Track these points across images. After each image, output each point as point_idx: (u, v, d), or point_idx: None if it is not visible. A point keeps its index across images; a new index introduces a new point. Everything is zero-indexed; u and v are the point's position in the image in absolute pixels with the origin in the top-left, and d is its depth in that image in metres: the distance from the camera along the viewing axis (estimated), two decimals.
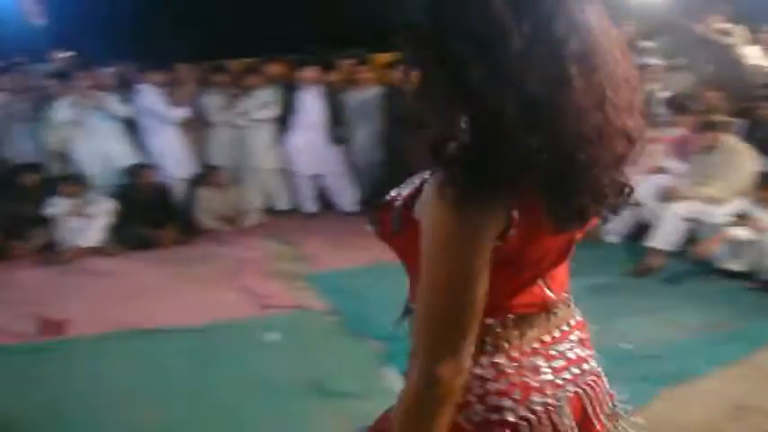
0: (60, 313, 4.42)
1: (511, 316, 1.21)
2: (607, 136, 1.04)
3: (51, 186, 6.07)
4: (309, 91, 6.85)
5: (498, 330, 1.21)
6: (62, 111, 6.36)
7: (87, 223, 5.95)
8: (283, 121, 6.92)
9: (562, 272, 1.30)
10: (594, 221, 1.20)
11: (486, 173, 1.00)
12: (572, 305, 1.35)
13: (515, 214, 1.04)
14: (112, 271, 5.47)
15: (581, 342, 1.32)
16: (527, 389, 1.20)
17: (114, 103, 6.55)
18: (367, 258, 5.54)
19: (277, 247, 6.13)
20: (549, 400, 1.21)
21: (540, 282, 1.24)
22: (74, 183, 6.05)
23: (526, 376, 1.21)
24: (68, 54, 5.50)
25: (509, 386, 1.20)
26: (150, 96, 6.59)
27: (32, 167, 6.23)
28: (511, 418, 1.18)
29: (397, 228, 1.19)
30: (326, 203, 7.28)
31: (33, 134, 6.52)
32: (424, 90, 1.07)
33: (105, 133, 6.51)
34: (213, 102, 6.98)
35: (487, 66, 0.97)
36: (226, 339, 4.03)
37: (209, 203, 6.66)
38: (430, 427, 1.10)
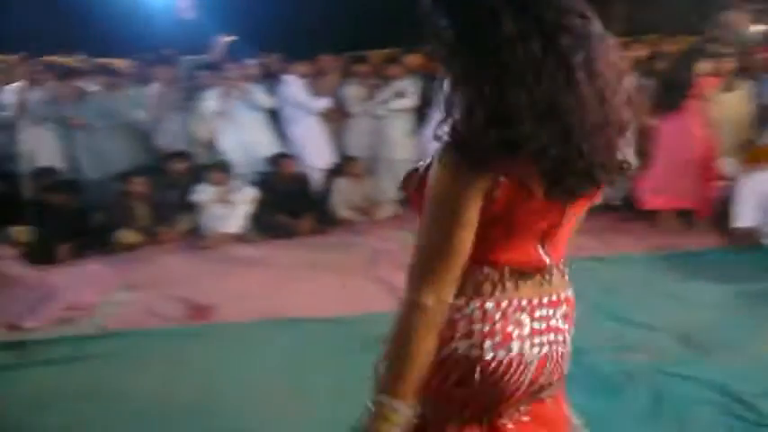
0: (205, 298, 4.55)
1: (507, 268, 1.40)
2: (605, 128, 1.26)
3: (198, 174, 6.31)
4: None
5: (494, 278, 1.40)
6: (210, 101, 6.59)
7: (230, 210, 6.13)
8: (421, 113, 6.86)
9: (561, 243, 1.46)
10: (597, 196, 1.40)
11: (472, 152, 1.25)
12: (567, 279, 1.52)
13: (503, 180, 1.26)
14: (253, 258, 5.61)
15: (565, 316, 1.49)
16: (507, 336, 1.39)
17: (259, 94, 6.71)
18: None
19: (411, 238, 6.06)
20: (525, 352, 1.40)
21: (537, 245, 1.41)
22: (219, 171, 6.23)
23: (509, 326, 1.39)
24: (221, 44, 5.63)
25: (491, 330, 1.38)
26: (294, 87, 6.71)
27: (181, 155, 6.49)
28: (487, 357, 1.37)
29: (415, 188, 1.42)
30: None
31: (183, 124, 6.80)
32: (457, 86, 1.29)
33: (249, 123, 6.69)
34: (353, 92, 7.02)
35: (501, 72, 1.21)
36: (365, 332, 4.00)
37: (345, 194, 6.72)
38: (415, 348, 1.31)
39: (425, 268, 1.33)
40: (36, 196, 6.14)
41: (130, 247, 5.80)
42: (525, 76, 1.20)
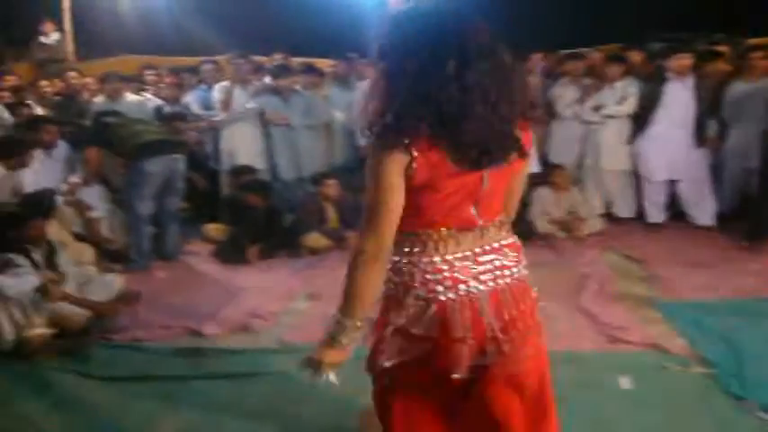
0: None
1: (444, 229, 1.83)
2: (494, 127, 1.72)
3: None
4: (678, 83, 5.89)
5: (435, 238, 1.83)
6: None
7: None
8: (638, 118, 6.07)
9: (494, 204, 1.89)
10: (518, 167, 1.86)
11: (388, 136, 1.69)
12: (506, 230, 1.95)
13: (416, 154, 1.68)
14: None
15: (508, 256, 1.90)
16: (456, 280, 1.82)
17: None
18: (733, 288, 4.58)
19: (619, 262, 5.35)
20: (473, 290, 1.82)
21: (470, 208, 1.83)
22: None
23: (456, 272, 1.82)
24: None
25: (442, 277, 1.81)
26: None
27: None
28: (442, 298, 1.81)
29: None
30: (675, 213, 6.28)
31: None
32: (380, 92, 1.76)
33: None
34: (563, 93, 6.40)
35: (418, 92, 1.67)
36: (568, 374, 3.43)
37: (546, 206, 6.11)
38: (358, 280, 1.77)
39: (366, 222, 1.75)
40: (233, 195, 6.19)
41: (316, 252, 5.64)
42: (430, 91, 1.66)
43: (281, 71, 6.64)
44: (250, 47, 7.06)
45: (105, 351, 3.82)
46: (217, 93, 6.64)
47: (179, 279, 5.17)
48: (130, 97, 6.93)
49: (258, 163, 6.52)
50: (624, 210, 6.44)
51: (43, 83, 7.60)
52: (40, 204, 4.64)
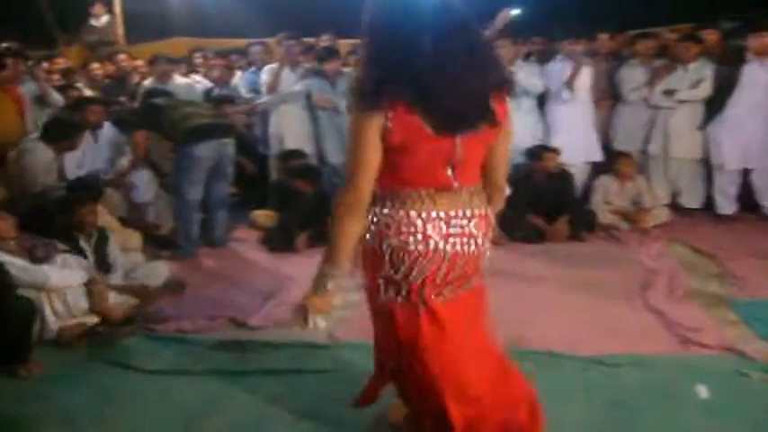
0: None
1: (422, 189, 2.05)
2: (464, 96, 1.93)
3: None
4: (757, 64, 5.49)
5: (414, 196, 2.05)
6: None
7: None
8: (711, 102, 5.68)
9: (469, 171, 2.09)
10: (491, 137, 2.06)
11: (366, 98, 1.92)
12: (481, 200, 2.16)
13: (391, 116, 1.90)
14: (497, 266, 4.93)
15: (477, 226, 2.12)
16: (426, 235, 2.06)
17: (531, 78, 5.93)
18: None
19: (688, 256, 5.00)
20: (440, 246, 2.07)
21: (447, 170, 2.03)
22: None
23: (428, 229, 2.06)
24: (504, 17, 5.03)
25: (415, 231, 2.05)
26: (563, 69, 5.87)
27: None
28: (411, 248, 2.06)
29: None
30: (746, 204, 5.88)
31: None
32: (366, 57, 2.00)
33: (516, 109, 5.87)
34: (631, 76, 6.04)
35: (396, 62, 1.91)
36: (637, 379, 3.16)
37: (609, 195, 5.78)
38: (340, 229, 2.02)
39: (349, 176, 2.01)
40: (281, 180, 6.02)
41: None
42: (407, 62, 1.89)
43: (327, 53, 6.42)
44: (298, 28, 6.87)
45: (148, 342, 3.69)
46: (264, 75, 6.46)
47: (226, 267, 5.01)
48: (179, 80, 6.81)
49: (307, 147, 6.33)
50: (692, 200, 6.07)
51: (94, 65, 7.54)
52: (91, 189, 4.55)
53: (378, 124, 1.90)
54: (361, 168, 1.95)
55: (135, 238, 4.85)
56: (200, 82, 6.95)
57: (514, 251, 5.17)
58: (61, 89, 6.29)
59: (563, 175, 5.66)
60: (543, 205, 5.46)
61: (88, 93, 6.61)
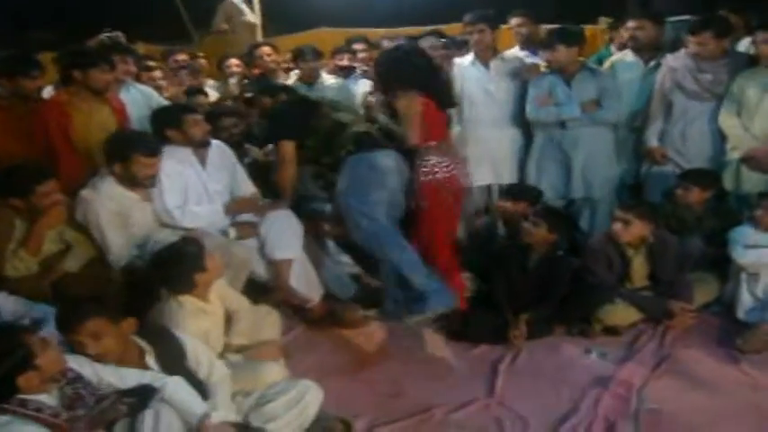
0: None
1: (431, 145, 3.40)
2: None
3: None
4: None
5: (429, 150, 3.41)
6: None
7: None
8: None
9: (441, 129, 3.59)
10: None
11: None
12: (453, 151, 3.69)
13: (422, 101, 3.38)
14: None
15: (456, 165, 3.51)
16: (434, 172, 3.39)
17: None
18: None
19: None
20: (440, 177, 3.40)
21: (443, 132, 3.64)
22: None
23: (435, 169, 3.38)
24: None
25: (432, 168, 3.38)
26: None
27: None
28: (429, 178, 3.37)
29: None
30: None
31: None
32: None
33: None
34: None
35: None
36: None
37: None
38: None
39: None
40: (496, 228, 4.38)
41: (617, 330, 3.54)
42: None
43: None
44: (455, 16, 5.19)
45: None
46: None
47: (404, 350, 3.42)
48: (329, 80, 5.36)
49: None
50: None
51: (232, 61, 6.02)
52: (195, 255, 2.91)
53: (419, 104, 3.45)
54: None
55: (271, 324, 3.19)
56: (360, 79, 5.41)
57: None
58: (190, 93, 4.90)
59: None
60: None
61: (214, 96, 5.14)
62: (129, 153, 3.39)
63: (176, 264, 2.78)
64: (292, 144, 3.61)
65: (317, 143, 3.59)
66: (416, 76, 3.42)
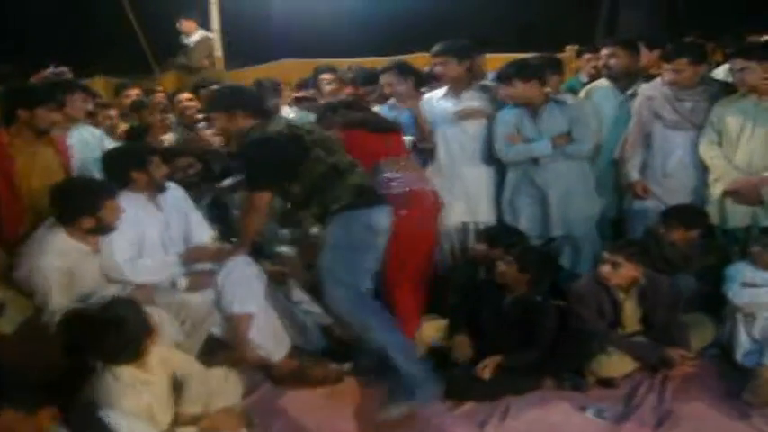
0: None
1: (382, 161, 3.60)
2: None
3: None
4: None
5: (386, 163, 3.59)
6: None
7: None
8: None
9: (398, 146, 3.80)
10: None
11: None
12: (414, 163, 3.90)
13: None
14: None
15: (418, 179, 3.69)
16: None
17: None
18: None
19: None
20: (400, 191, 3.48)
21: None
22: None
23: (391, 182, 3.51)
24: None
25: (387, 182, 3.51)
26: None
27: None
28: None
29: None
30: None
31: None
32: None
33: None
34: None
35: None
36: None
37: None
38: None
39: None
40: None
41: (611, 382, 3.28)
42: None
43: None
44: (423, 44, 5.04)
45: None
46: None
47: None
48: (290, 113, 5.04)
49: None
50: None
51: (183, 96, 5.63)
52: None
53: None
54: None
55: (228, 388, 2.85)
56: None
57: None
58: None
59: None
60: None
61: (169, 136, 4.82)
62: (100, 201, 3.10)
63: (110, 331, 2.43)
64: (269, 195, 3.30)
65: (304, 191, 3.24)
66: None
